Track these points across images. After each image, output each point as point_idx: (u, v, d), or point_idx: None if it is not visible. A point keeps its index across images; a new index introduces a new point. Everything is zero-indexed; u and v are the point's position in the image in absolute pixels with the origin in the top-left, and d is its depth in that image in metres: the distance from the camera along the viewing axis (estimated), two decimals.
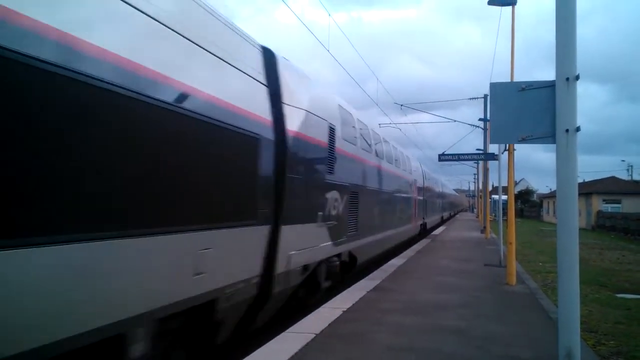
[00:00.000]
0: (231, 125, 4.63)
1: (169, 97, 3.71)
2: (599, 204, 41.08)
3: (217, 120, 4.37)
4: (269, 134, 5.54)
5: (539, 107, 3.67)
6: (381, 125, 25.42)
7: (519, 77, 9.62)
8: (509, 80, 9.20)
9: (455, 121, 27.30)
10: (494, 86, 3.94)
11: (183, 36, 3.99)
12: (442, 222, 36.72)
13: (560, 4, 3.51)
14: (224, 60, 4.68)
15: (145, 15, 3.54)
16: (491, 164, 22.75)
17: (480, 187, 34.57)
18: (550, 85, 3.63)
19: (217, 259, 4.37)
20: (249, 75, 5.28)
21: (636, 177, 61.85)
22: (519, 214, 62.92)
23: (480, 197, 35.65)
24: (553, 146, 3.54)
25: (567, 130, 3.42)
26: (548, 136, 3.57)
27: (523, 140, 3.69)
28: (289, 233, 5.85)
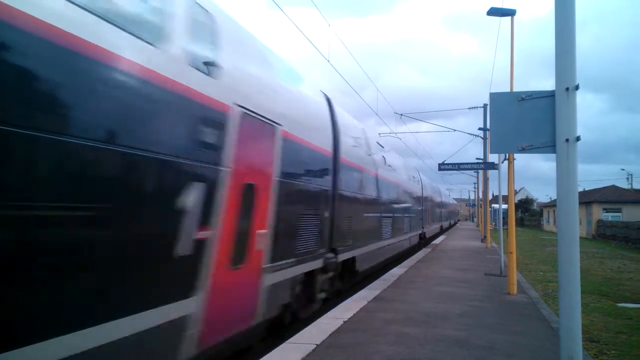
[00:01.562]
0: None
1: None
2: (599, 212, 41.05)
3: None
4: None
5: (539, 116, 3.68)
6: (381, 135, 25.50)
7: (516, 87, 9.63)
8: (507, 89, 9.25)
9: (455, 130, 27.21)
10: (493, 96, 3.95)
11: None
12: (442, 231, 35.86)
13: (559, 15, 3.54)
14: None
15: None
16: (491, 173, 22.79)
17: (481, 196, 34.61)
18: (550, 95, 3.64)
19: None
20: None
21: (636, 185, 61.91)
22: (520, 223, 62.83)
23: (481, 207, 35.65)
24: (553, 155, 3.55)
25: (567, 140, 3.42)
26: (548, 146, 3.57)
27: (523, 150, 3.70)
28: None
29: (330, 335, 5.71)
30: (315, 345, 5.24)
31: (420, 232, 20.48)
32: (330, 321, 6.40)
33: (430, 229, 25.75)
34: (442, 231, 36.67)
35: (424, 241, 22.36)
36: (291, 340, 5.49)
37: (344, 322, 6.39)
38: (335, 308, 7.33)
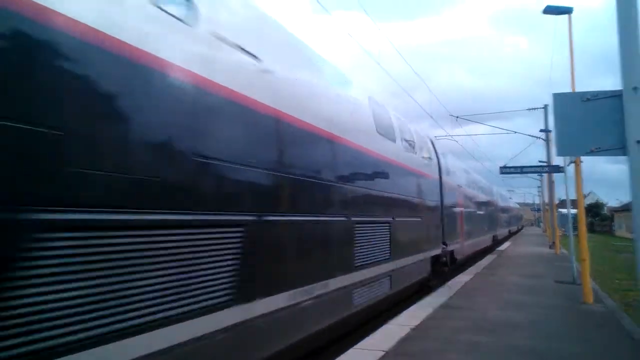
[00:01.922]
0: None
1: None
2: None
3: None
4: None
5: (606, 117, 3.63)
6: (438, 138, 24.96)
7: (571, 86, 9.07)
8: (564, 89, 8.93)
9: (515, 132, 26.20)
10: (557, 97, 3.92)
11: None
12: (495, 243, 25.83)
13: (622, 14, 3.50)
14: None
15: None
16: (556, 176, 21.78)
17: (546, 200, 33.00)
18: (617, 95, 3.59)
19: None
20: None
21: None
22: (590, 228, 59.09)
23: (547, 211, 33.98)
24: (619, 157, 3.48)
25: (638, 142, 3.36)
26: (617, 148, 3.51)
27: (592, 153, 3.65)
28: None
29: (398, 342, 5.75)
30: (384, 352, 5.31)
31: (436, 252, 11.14)
32: (397, 328, 6.44)
33: (466, 244, 15.12)
34: (496, 242, 26.54)
35: (449, 267, 12.33)
36: (358, 346, 5.58)
37: (412, 329, 6.41)
38: (400, 315, 7.35)
